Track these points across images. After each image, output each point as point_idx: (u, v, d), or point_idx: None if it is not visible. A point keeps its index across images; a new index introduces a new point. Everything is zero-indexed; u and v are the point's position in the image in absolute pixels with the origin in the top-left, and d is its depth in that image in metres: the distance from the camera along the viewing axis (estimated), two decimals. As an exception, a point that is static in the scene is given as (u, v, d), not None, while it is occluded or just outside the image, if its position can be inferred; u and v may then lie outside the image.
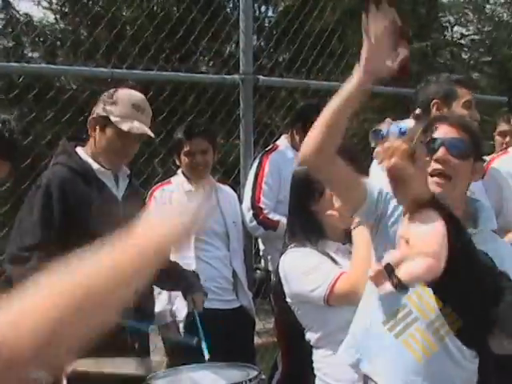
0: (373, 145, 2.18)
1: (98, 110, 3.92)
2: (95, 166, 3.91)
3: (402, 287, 1.93)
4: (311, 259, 3.31)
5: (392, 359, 2.81)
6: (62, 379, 3.31)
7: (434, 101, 4.22)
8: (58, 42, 9.89)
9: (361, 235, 3.17)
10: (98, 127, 3.91)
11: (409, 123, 2.14)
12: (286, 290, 3.39)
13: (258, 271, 6.13)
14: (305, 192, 3.38)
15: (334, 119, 2.62)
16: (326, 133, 2.61)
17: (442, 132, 2.80)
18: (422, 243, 1.95)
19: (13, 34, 9.64)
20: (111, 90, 3.99)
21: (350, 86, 2.61)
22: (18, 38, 9.78)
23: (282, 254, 3.46)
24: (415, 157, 2.11)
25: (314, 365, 3.48)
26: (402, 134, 2.09)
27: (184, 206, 1.64)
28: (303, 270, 3.31)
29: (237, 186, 5.55)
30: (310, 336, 3.43)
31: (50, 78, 7.71)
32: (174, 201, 4.99)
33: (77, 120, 5.66)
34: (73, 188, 3.77)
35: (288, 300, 3.42)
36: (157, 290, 4.66)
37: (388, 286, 1.98)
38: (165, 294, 4.81)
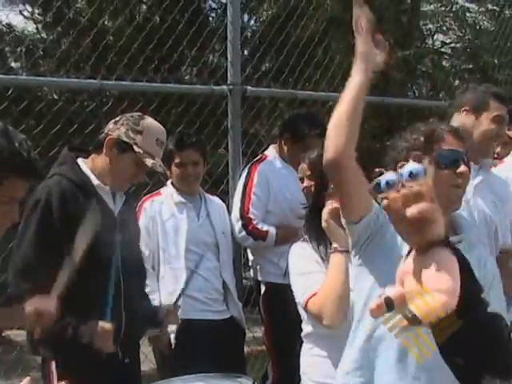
0: (380, 196, 2.09)
1: (120, 132, 3.85)
2: (95, 181, 3.87)
3: (415, 321, 1.87)
4: (307, 264, 3.37)
5: (393, 359, 2.83)
6: None
7: (464, 107, 4.17)
8: (41, 52, 9.85)
9: (337, 262, 3.22)
10: (115, 149, 3.86)
11: (410, 167, 2.07)
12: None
13: (245, 280, 6.15)
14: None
15: (353, 110, 2.65)
16: (349, 125, 2.64)
17: (454, 144, 2.82)
18: (438, 280, 1.89)
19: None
20: (136, 116, 3.94)
21: (357, 79, 2.67)
22: (1, 48, 9.74)
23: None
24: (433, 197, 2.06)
25: (301, 358, 3.52)
26: (414, 176, 2.02)
27: None
28: (298, 271, 3.39)
29: (225, 196, 5.55)
30: (303, 327, 3.48)
31: (34, 90, 7.68)
32: (164, 211, 5.01)
33: (65, 132, 5.66)
34: (73, 201, 3.74)
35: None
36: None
37: (397, 321, 1.92)
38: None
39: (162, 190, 5.14)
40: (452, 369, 2.10)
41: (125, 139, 3.83)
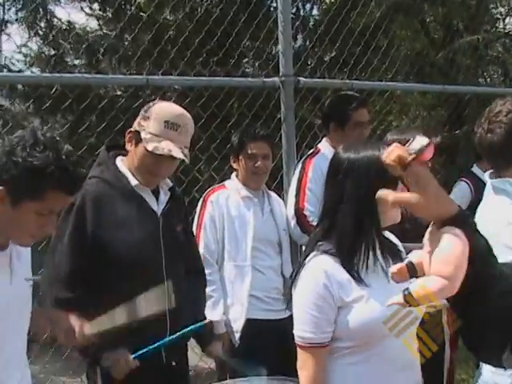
0: None
1: (135, 123, 3.69)
2: (134, 181, 3.70)
3: (410, 301, 1.81)
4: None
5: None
6: None
7: None
8: (101, 49, 9.81)
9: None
10: (133, 142, 3.69)
11: None
12: None
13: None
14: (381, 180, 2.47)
15: None
16: None
17: None
18: (440, 263, 1.79)
19: (55, 42, 9.56)
20: (151, 103, 3.76)
21: None
22: (60, 46, 9.70)
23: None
24: None
25: None
26: None
27: None
28: None
29: (280, 191, 5.38)
30: None
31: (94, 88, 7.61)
32: (231, 205, 4.89)
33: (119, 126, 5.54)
34: (109, 204, 3.59)
35: None
36: (213, 300, 4.72)
37: (397, 299, 1.84)
38: (221, 304, 4.77)
39: (227, 184, 5.03)
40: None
41: (137, 128, 3.66)
